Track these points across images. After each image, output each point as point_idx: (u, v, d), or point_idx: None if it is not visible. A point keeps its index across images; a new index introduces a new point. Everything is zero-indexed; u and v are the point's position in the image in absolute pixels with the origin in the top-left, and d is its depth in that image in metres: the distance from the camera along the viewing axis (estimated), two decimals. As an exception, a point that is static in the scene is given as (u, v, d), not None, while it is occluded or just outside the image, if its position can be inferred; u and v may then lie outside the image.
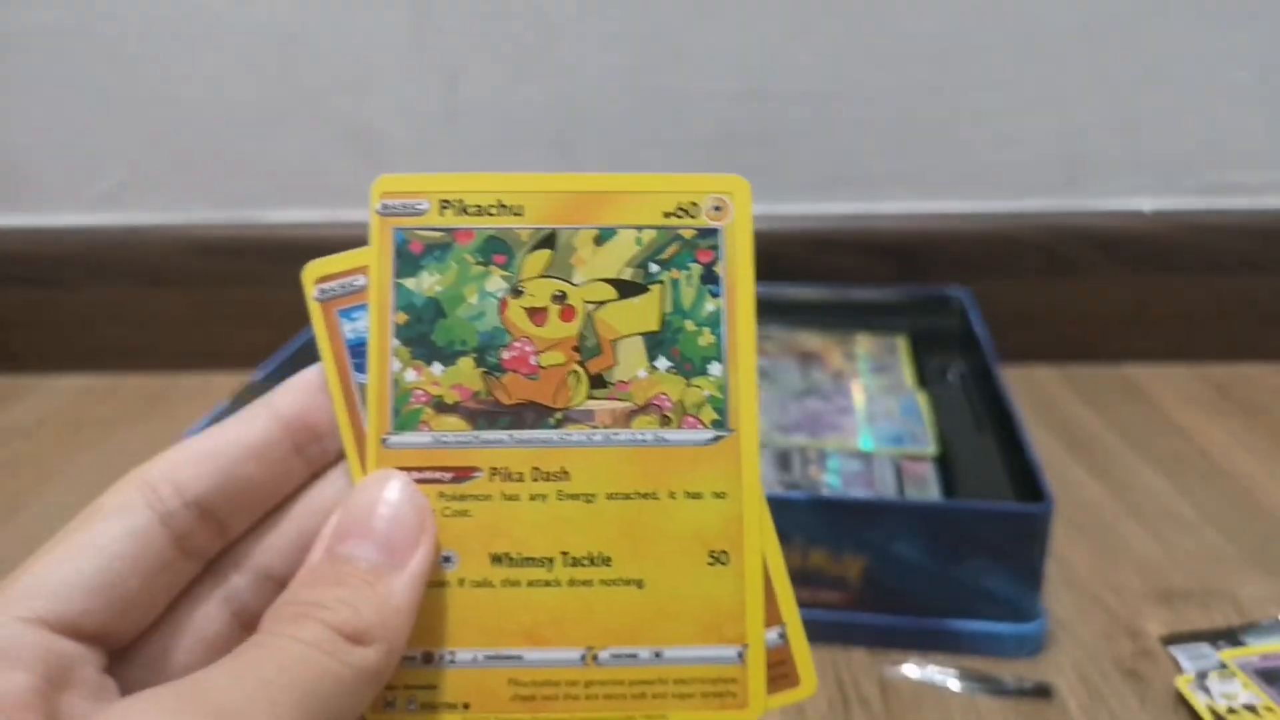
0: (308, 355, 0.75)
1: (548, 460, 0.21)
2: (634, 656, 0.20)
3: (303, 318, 0.78)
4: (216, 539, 0.21)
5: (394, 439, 0.21)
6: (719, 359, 0.21)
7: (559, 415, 0.21)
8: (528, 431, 0.21)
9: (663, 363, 0.21)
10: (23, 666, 0.18)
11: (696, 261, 0.21)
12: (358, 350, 0.22)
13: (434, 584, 0.21)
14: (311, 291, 0.22)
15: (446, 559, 0.21)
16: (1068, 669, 0.41)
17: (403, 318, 0.22)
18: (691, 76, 0.68)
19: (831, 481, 0.45)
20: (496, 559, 0.21)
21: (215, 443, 0.21)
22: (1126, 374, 0.71)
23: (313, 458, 0.22)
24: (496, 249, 0.21)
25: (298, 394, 0.22)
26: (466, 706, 0.20)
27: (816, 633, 0.43)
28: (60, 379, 0.74)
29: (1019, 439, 0.46)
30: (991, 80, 0.68)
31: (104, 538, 0.20)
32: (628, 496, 0.21)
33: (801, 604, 0.46)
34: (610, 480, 0.21)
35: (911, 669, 0.41)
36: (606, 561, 0.21)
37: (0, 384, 0.73)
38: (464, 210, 0.21)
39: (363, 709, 0.19)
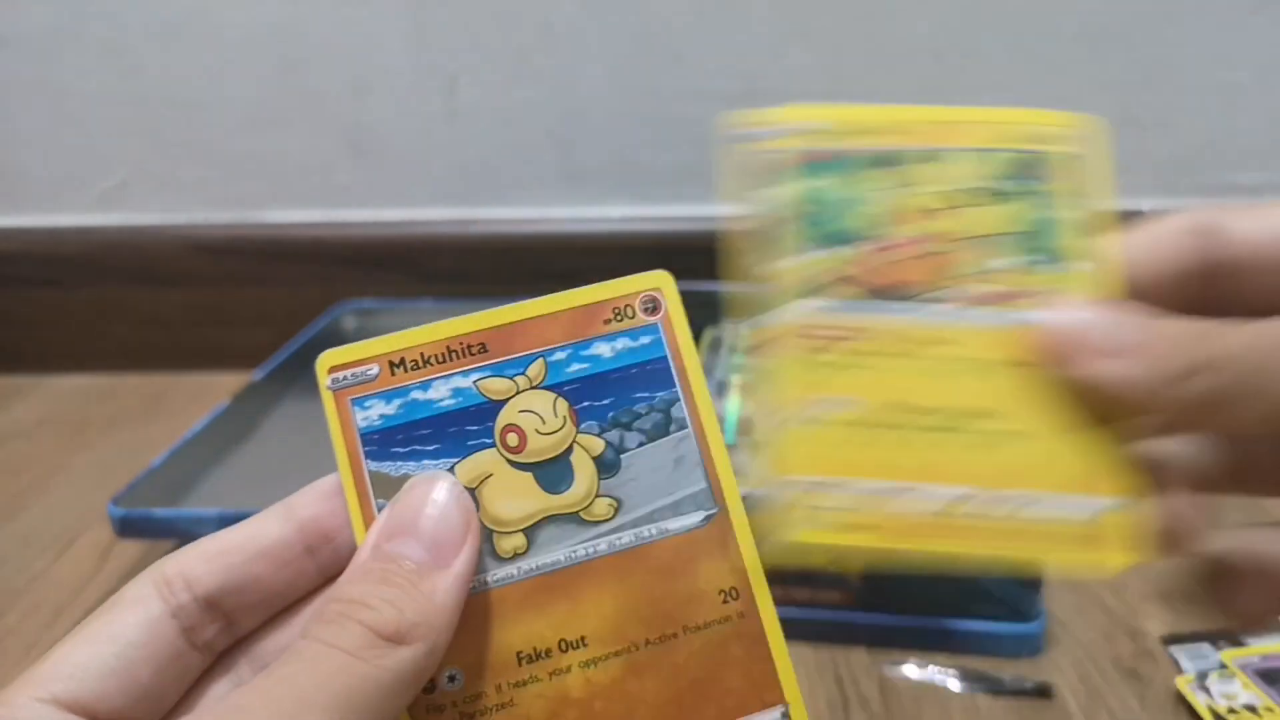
0: (308, 355, 0.75)
1: (936, 330, 0.23)
2: (1014, 499, 0.22)
3: (302, 317, 0.78)
4: (225, 634, 0.22)
5: (804, 304, 0.23)
6: (1085, 258, 0.24)
7: (942, 294, 0.23)
8: (918, 304, 0.23)
9: (1035, 258, 0.24)
10: None
11: (1061, 179, 0.25)
12: (369, 438, 0.22)
13: (836, 422, 0.22)
14: (325, 381, 0.22)
15: (847, 404, 0.23)
16: (1068, 669, 0.41)
17: (810, 209, 0.24)
18: (690, 77, 0.68)
19: (831, 481, 0.45)
20: (892, 406, 0.23)
21: (229, 541, 0.22)
22: (1125, 373, 0.71)
23: (324, 561, 0.22)
24: (888, 161, 0.26)
25: (315, 498, 0.23)
26: (856, 529, 0.22)
27: (816, 632, 0.43)
28: (61, 379, 0.74)
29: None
30: (990, 81, 0.68)
31: (118, 626, 0.21)
32: (1010, 366, 0.23)
33: (801, 603, 0.46)
34: (994, 350, 0.23)
35: (912, 669, 0.42)
36: (992, 416, 0.23)
37: (0, 383, 0.73)
38: (861, 132, 0.27)
39: (403, 707, 0.20)
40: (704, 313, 0.67)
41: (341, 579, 0.21)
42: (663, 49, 0.68)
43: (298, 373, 0.64)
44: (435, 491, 0.21)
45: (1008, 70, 0.68)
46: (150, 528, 0.47)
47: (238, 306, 0.73)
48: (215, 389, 0.70)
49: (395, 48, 0.68)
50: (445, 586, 0.20)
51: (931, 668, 0.42)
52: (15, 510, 0.56)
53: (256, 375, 0.61)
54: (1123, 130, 0.69)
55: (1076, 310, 0.22)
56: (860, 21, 0.67)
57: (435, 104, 0.70)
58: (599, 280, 0.26)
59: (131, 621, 0.21)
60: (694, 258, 0.71)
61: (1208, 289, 0.24)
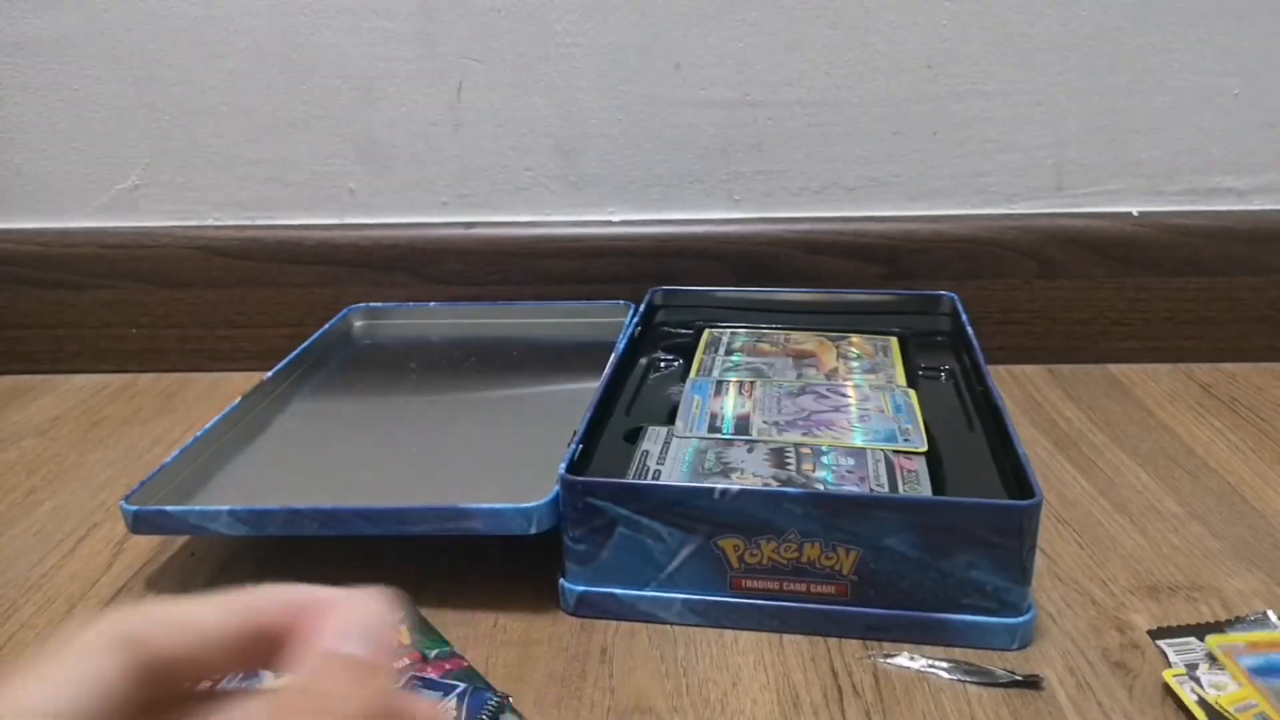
0: (318, 356, 0.75)
1: None
2: None
3: (312, 319, 0.78)
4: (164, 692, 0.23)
5: None
6: None
7: None
8: None
9: None
10: None
11: None
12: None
13: None
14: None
15: None
16: (1056, 661, 0.42)
17: None
18: (690, 85, 0.69)
19: (825, 477, 0.46)
20: None
21: (187, 618, 0.23)
22: (1113, 373, 0.72)
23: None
24: None
25: (275, 606, 0.23)
26: None
27: (811, 624, 0.44)
28: (75, 378, 0.75)
29: (1008, 436, 0.47)
30: (981, 88, 0.69)
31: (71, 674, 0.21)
32: None
33: (796, 596, 0.46)
34: None
35: (904, 660, 0.42)
36: None
37: (16, 383, 0.74)
38: None
39: None
40: (703, 313, 0.68)
41: (303, 674, 0.21)
42: (662, 58, 0.69)
43: (308, 373, 0.65)
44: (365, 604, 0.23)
45: (998, 77, 0.69)
46: (162, 523, 0.48)
47: (248, 308, 0.74)
48: (226, 388, 0.71)
49: (402, 56, 0.69)
50: (385, 680, 0.22)
51: (923, 659, 0.42)
52: (30, 506, 0.57)
53: (267, 375, 0.62)
54: (1111, 136, 0.70)
55: None
56: (854, 30, 0.68)
57: (441, 112, 0.71)
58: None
59: (85, 672, 0.21)
60: (693, 261, 0.72)
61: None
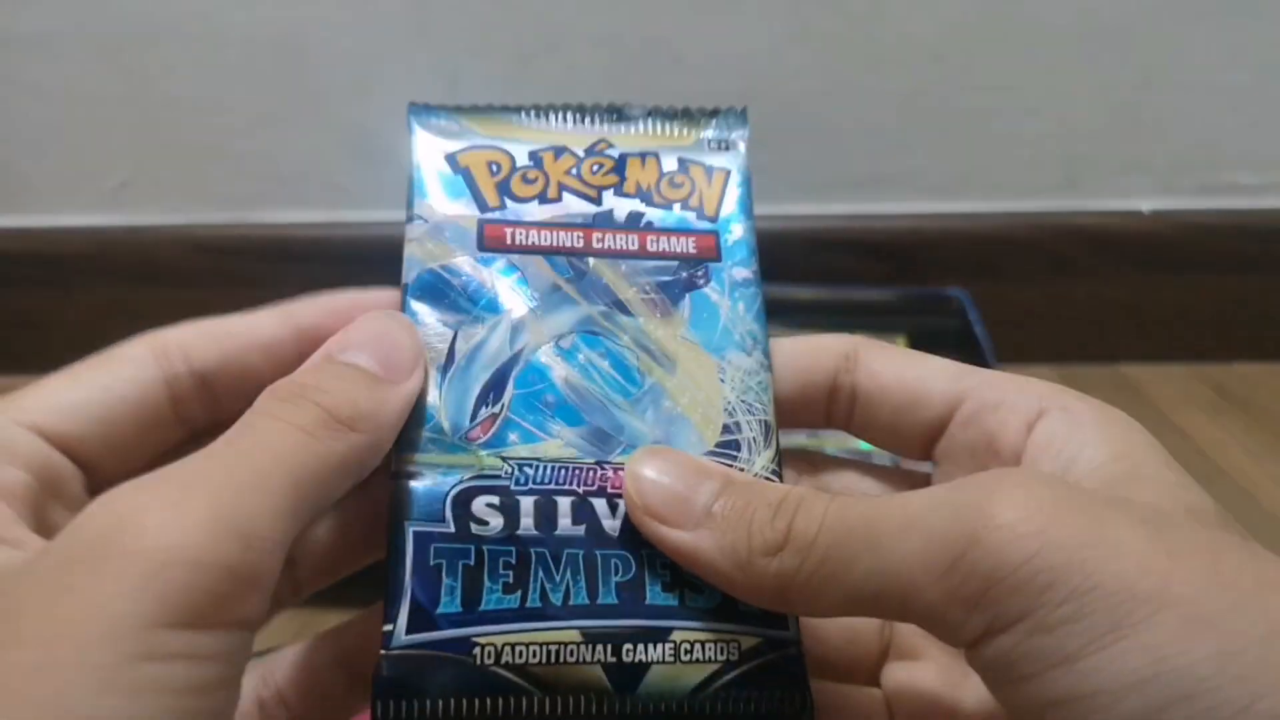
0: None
1: None
2: None
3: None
4: (207, 414, 0.23)
5: None
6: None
7: None
8: None
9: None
10: (19, 464, 0.19)
11: None
12: None
13: None
14: None
15: None
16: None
17: None
18: (690, 78, 0.68)
19: (831, 481, 0.45)
20: None
21: (229, 327, 0.23)
22: (1124, 373, 0.71)
23: None
24: None
25: (320, 310, 0.24)
26: None
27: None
28: (61, 379, 0.74)
29: (1018, 439, 0.46)
30: (989, 81, 0.68)
31: (109, 378, 0.21)
32: None
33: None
34: None
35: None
36: None
37: (2, 383, 0.73)
38: None
39: (341, 493, 0.20)
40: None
41: (297, 371, 0.21)
42: (662, 50, 0.68)
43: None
44: (390, 320, 0.22)
45: (1007, 71, 0.68)
46: (151, 527, 0.47)
47: (239, 306, 0.73)
48: (216, 389, 0.70)
49: (395, 48, 0.69)
50: (396, 398, 0.21)
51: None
52: (16, 510, 0.56)
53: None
54: (1123, 131, 0.69)
55: (652, 467, 0.21)
56: (860, 22, 0.67)
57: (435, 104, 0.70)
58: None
59: (124, 377, 0.21)
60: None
61: (833, 408, 0.25)
